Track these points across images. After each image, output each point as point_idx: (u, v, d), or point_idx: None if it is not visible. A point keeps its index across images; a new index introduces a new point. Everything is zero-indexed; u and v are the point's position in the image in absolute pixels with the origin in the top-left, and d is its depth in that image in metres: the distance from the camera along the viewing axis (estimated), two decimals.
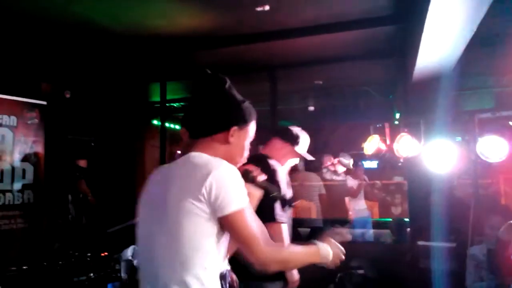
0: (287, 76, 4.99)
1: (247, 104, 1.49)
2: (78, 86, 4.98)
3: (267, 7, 3.31)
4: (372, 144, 4.17)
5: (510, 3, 2.96)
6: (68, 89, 4.75)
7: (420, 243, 3.64)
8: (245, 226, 1.28)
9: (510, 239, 2.47)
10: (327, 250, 1.45)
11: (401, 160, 4.11)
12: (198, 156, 1.38)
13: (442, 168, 3.69)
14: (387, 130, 4.14)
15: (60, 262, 2.80)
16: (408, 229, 4.36)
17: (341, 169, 6.00)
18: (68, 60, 4.47)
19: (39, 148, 4.42)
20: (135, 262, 3.05)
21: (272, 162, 2.36)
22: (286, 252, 1.46)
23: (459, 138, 4.02)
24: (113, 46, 4.23)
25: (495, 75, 5.07)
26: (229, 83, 1.47)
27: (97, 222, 4.20)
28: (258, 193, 1.52)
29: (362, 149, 4.35)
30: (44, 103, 4.37)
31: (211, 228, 1.29)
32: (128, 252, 3.08)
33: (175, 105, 6.62)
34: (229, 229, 1.31)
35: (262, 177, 1.54)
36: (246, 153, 1.50)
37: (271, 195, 1.57)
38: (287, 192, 2.36)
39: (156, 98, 5.69)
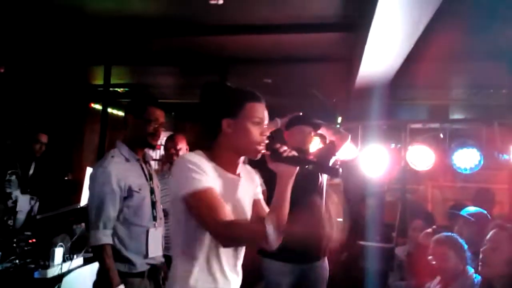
0: (237, 71, 5.01)
1: (234, 92, 1.51)
2: (14, 62, 4.66)
3: (220, 1, 3.32)
4: (313, 145, 4.30)
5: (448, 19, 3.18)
6: (3, 64, 4.43)
7: (354, 242, 3.85)
8: (196, 207, 1.37)
9: (427, 245, 2.68)
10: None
11: (338, 163, 4.30)
12: None
13: (375, 172, 3.91)
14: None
15: None
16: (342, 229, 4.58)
17: None
18: (6, 33, 4.16)
19: None
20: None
21: None
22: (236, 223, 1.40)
23: (393, 145, 4.29)
24: (57, 22, 4.01)
25: (429, 88, 5.44)
26: (219, 84, 1.53)
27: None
28: (290, 170, 1.36)
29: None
30: None
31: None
32: (58, 240, 2.96)
33: (119, 90, 6.41)
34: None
35: (290, 152, 1.38)
36: (260, 134, 1.42)
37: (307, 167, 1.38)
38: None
39: (100, 81, 5.47)
